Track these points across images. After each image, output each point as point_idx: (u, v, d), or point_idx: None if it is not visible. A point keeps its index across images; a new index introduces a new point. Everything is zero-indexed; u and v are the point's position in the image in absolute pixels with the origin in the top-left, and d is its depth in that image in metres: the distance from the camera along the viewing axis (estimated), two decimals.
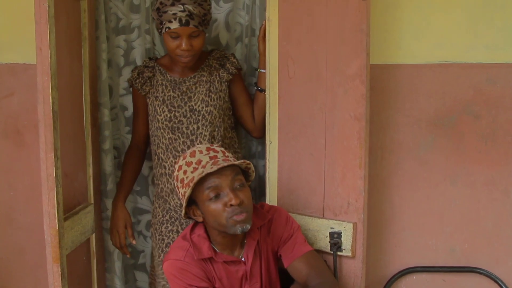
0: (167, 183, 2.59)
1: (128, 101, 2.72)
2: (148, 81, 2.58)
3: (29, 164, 2.54)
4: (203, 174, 1.91)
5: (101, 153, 2.66)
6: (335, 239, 2.32)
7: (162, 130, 2.55)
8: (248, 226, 1.98)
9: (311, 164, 2.39)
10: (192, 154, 2.01)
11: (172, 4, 2.34)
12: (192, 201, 2.00)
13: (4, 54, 2.49)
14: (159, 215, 2.64)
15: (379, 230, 2.62)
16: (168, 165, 2.57)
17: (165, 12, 2.35)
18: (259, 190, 2.84)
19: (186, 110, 2.55)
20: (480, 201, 2.57)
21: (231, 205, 1.93)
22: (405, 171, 2.59)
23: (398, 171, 2.59)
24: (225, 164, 1.94)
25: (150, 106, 2.60)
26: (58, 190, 2.18)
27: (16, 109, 2.52)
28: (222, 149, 2.07)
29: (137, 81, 2.57)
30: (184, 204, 1.98)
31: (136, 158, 2.69)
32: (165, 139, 2.56)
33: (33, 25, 2.43)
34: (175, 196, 2.59)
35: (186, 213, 2.05)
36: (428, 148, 2.55)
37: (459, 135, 2.53)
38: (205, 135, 2.54)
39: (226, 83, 2.63)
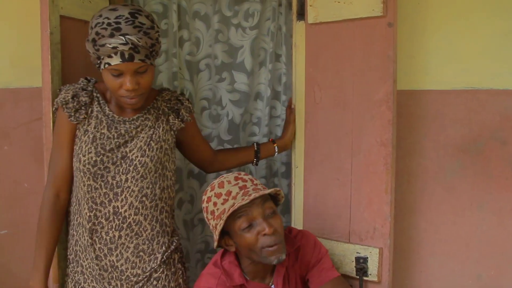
0: (82, 237, 2.14)
1: None
2: (83, 107, 2.10)
3: None
4: (235, 207, 1.90)
5: None
6: (361, 264, 2.31)
7: (82, 174, 2.07)
8: (284, 256, 1.95)
9: (337, 189, 2.40)
10: (221, 185, 1.99)
11: (111, 35, 1.89)
12: (224, 232, 1.99)
13: (35, 78, 2.53)
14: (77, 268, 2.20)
15: (404, 256, 2.61)
16: (84, 216, 2.11)
17: (103, 45, 1.90)
18: (283, 208, 2.87)
19: (117, 156, 2.07)
20: (506, 228, 2.55)
21: (265, 234, 1.91)
22: (431, 196, 2.58)
23: (424, 196, 2.58)
24: (257, 195, 1.92)
25: (76, 140, 2.11)
26: None
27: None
28: (250, 177, 2.05)
29: (70, 105, 2.08)
30: (216, 237, 1.97)
31: (58, 216, 2.18)
32: (84, 185, 2.08)
33: None
34: (88, 255, 2.14)
35: (218, 243, 2.05)
36: (454, 174, 2.55)
37: (486, 161, 2.52)
38: (133, 190, 2.07)
39: (173, 132, 2.21)
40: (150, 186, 2.11)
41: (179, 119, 2.20)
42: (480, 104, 2.51)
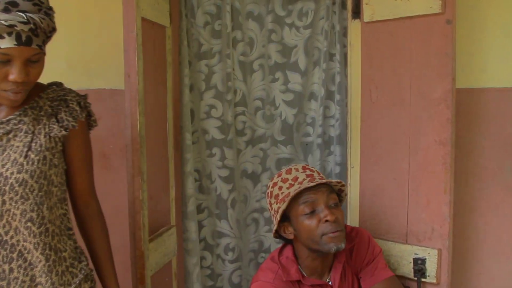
0: None
1: (208, 124, 2.75)
2: None
3: (115, 187, 2.59)
4: (301, 188, 1.93)
5: (183, 176, 2.70)
6: (419, 265, 2.29)
7: None
8: (343, 245, 1.97)
9: (394, 189, 2.37)
10: (288, 171, 2.03)
11: (6, 10, 1.48)
12: (284, 217, 2.01)
13: (92, 80, 2.57)
14: None
15: (463, 257, 2.57)
16: None
17: None
18: None
19: None
20: None
21: (326, 220, 1.92)
22: (490, 196, 2.53)
23: (483, 196, 2.54)
24: (323, 181, 1.96)
25: None
26: (144, 212, 2.23)
27: (103, 133, 2.58)
28: (317, 170, 2.09)
29: None
30: (277, 219, 1.99)
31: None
32: None
33: (120, 52, 2.52)
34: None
35: (277, 231, 2.05)
36: None
37: None
38: (14, 214, 1.61)
39: (58, 139, 1.71)
40: (36, 208, 1.64)
41: (60, 125, 1.70)
42: None
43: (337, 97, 2.75)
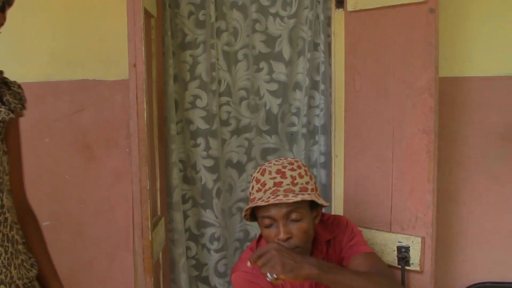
0: None
1: (193, 114, 2.74)
2: None
3: (98, 178, 2.59)
4: (253, 205, 1.88)
5: (168, 166, 2.70)
6: (403, 253, 2.29)
7: None
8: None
9: (378, 178, 2.38)
10: (263, 172, 1.94)
11: None
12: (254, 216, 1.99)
13: (76, 71, 2.56)
14: None
15: (447, 245, 2.59)
16: None
17: None
18: (323, 198, 2.83)
19: None
20: None
21: (278, 239, 1.86)
22: (474, 185, 2.55)
23: (466, 185, 2.55)
24: (275, 201, 1.84)
25: None
26: (150, 202, 2.24)
27: (87, 124, 2.57)
28: (296, 173, 1.93)
29: None
30: (245, 216, 1.98)
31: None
32: None
33: (103, 42, 2.53)
34: None
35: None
36: (497, 162, 2.51)
37: None
38: None
39: (2, 124, 1.59)
40: None
41: (6, 108, 1.59)
42: None
43: (322, 86, 2.75)
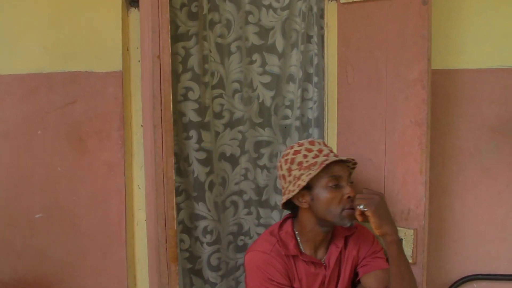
0: None
1: (185, 107, 2.73)
2: None
3: (91, 171, 2.58)
4: (334, 159, 1.99)
5: None
6: None
7: None
8: (354, 223, 2.04)
9: (371, 170, 2.38)
10: (312, 143, 2.09)
11: None
12: (305, 186, 2.03)
13: (68, 63, 2.54)
14: None
15: (439, 237, 2.59)
16: None
17: None
18: None
19: None
20: None
21: (349, 197, 1.99)
22: (466, 177, 2.55)
23: (459, 177, 2.56)
24: (349, 158, 2.04)
25: None
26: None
27: (79, 116, 2.56)
28: None
29: None
30: (300, 185, 2.01)
31: None
32: None
33: (95, 33, 2.51)
34: None
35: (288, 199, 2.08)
36: (490, 154, 2.51)
37: None
38: None
39: None
40: None
41: None
42: None
43: (315, 79, 2.74)
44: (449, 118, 2.53)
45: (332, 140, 2.48)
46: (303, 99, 2.81)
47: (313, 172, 1.98)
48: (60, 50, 2.56)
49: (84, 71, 2.56)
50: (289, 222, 2.17)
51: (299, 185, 2.01)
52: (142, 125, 2.58)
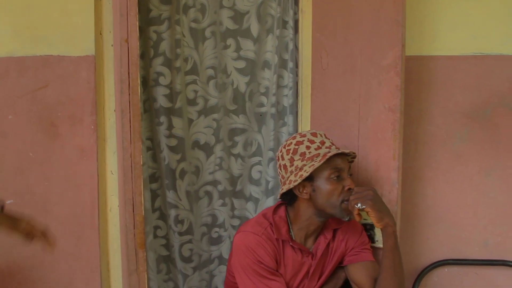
0: None
1: (157, 92, 2.69)
2: None
3: (63, 155, 2.55)
4: (336, 152, 2.00)
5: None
6: (368, 231, 2.31)
7: None
8: (351, 218, 2.04)
9: None
10: (314, 135, 2.08)
11: None
12: (307, 177, 2.03)
13: (39, 46, 2.50)
14: None
15: (411, 223, 2.61)
16: None
17: None
18: None
19: None
20: None
21: (349, 189, 2.01)
22: (439, 163, 2.57)
23: (431, 163, 2.57)
24: (350, 151, 2.06)
25: None
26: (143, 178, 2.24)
27: (51, 101, 2.52)
28: None
29: None
30: (303, 176, 2.01)
31: None
32: None
33: (67, 17, 2.47)
34: None
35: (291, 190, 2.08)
36: (462, 140, 2.54)
37: (494, 128, 2.51)
38: None
39: None
40: None
41: None
42: (489, 70, 2.49)
43: (290, 64, 2.73)
44: (422, 104, 2.54)
45: (306, 125, 2.48)
46: (279, 86, 2.79)
47: (316, 164, 1.98)
48: (31, 33, 2.52)
49: (56, 55, 2.52)
50: (283, 208, 2.17)
51: (301, 175, 2.01)
52: (115, 110, 2.55)
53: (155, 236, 2.81)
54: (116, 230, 2.59)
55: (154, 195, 2.79)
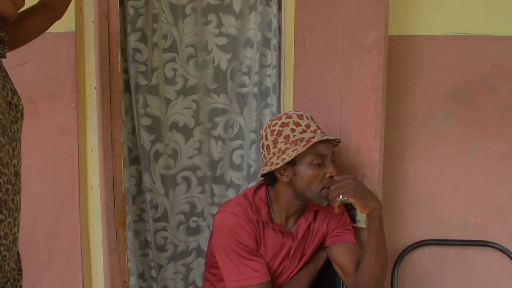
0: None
1: (132, 69, 2.57)
2: None
3: (43, 133, 2.52)
4: (322, 138, 1.96)
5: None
6: (350, 211, 2.31)
7: None
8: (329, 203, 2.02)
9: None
10: (300, 117, 2.04)
11: None
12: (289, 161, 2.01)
13: None
14: None
15: (393, 203, 2.62)
16: None
17: None
18: None
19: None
20: (495, 175, 2.56)
21: (331, 176, 1.98)
22: (420, 143, 2.58)
23: (413, 143, 2.58)
24: (335, 138, 2.03)
25: None
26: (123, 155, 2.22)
27: (30, 78, 2.49)
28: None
29: None
30: (285, 160, 1.97)
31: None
32: None
33: None
34: None
35: (272, 171, 2.06)
36: (444, 121, 2.54)
37: (476, 108, 2.52)
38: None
39: None
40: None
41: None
42: (471, 50, 2.49)
43: (274, 42, 2.67)
44: (404, 84, 2.54)
45: (288, 105, 2.47)
46: (262, 65, 2.73)
47: (299, 149, 1.95)
48: None
49: None
50: (263, 188, 2.16)
51: (283, 159, 1.98)
52: (95, 88, 2.52)
53: (141, 219, 2.78)
54: (97, 208, 2.57)
55: (140, 177, 2.74)
